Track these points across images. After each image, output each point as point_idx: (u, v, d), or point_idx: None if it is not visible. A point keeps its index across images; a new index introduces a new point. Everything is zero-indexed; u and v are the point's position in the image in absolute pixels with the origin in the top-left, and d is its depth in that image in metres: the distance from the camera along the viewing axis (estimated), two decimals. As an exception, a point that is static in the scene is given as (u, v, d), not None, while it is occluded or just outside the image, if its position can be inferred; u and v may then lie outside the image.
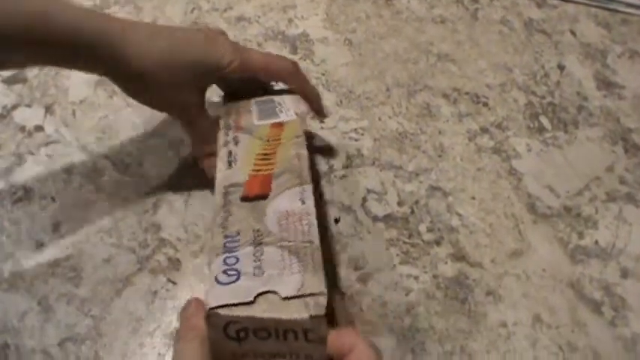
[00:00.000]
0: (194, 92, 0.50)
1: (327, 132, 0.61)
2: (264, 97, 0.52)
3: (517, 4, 0.73)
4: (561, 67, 0.69)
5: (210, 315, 0.35)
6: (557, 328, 0.52)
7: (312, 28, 0.69)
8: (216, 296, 0.35)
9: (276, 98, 0.52)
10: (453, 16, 0.72)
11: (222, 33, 0.53)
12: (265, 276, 0.37)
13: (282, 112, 0.51)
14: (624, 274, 0.56)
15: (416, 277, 0.53)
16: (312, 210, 0.41)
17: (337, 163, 0.59)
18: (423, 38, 0.69)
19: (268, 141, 0.47)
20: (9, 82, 0.62)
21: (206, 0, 0.69)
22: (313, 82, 0.64)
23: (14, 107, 0.60)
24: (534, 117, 0.65)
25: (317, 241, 0.39)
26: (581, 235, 0.58)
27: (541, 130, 0.64)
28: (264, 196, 0.42)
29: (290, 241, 0.39)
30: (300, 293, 0.35)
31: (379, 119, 0.63)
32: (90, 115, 0.60)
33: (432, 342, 0.50)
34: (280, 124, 0.49)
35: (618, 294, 0.54)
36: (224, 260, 0.38)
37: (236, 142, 0.47)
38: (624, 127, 0.65)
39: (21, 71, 0.62)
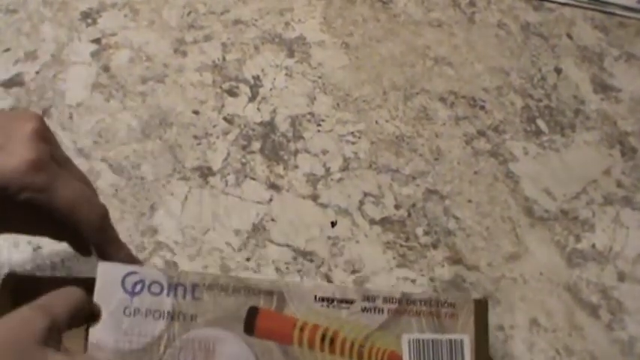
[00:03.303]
0: None
1: (324, 135, 0.61)
2: None
3: (514, 8, 0.73)
4: (558, 71, 0.69)
5: None
6: (555, 332, 0.52)
7: (309, 31, 0.69)
8: None
9: None
10: (449, 19, 0.72)
11: (36, 122, 0.37)
12: None
13: None
14: (621, 277, 0.56)
15: (413, 281, 0.53)
16: None
17: (334, 166, 0.59)
18: (420, 42, 0.69)
19: None
20: (6, 85, 0.61)
21: (203, 3, 0.69)
22: (309, 85, 0.64)
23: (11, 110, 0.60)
24: (531, 120, 0.65)
25: None
26: (578, 239, 0.58)
27: (538, 133, 0.64)
28: None
29: None
30: None
31: (376, 122, 0.63)
32: (87, 119, 0.60)
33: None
34: None
35: (615, 297, 0.54)
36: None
37: None
38: (621, 131, 0.65)
39: (18, 74, 0.62)
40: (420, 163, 0.61)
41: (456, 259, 0.55)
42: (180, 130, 0.60)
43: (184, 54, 0.65)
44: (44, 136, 0.37)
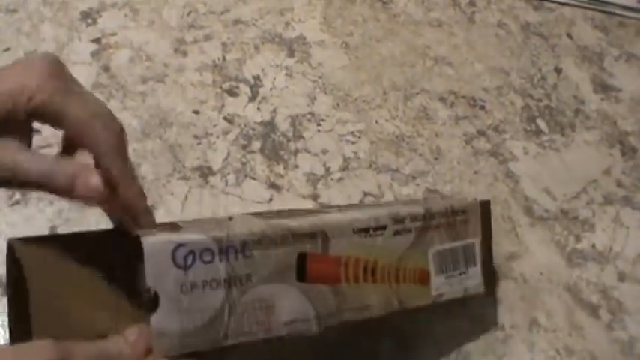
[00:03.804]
0: None
1: (323, 135, 0.61)
2: None
3: (514, 8, 0.73)
4: (558, 70, 0.69)
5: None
6: (554, 332, 0.52)
7: (309, 31, 0.69)
8: None
9: None
10: (449, 19, 0.72)
11: (52, 55, 0.38)
12: None
13: None
14: (621, 277, 0.56)
15: (413, 281, 0.53)
16: None
17: (334, 166, 0.59)
18: (420, 41, 0.69)
19: None
20: (6, 85, 0.61)
21: (203, 3, 0.69)
22: (309, 85, 0.64)
23: (11, 110, 0.60)
24: (531, 120, 0.65)
25: None
26: (578, 239, 0.58)
27: (538, 133, 0.64)
28: None
29: None
30: None
31: (376, 122, 0.63)
32: (87, 118, 0.60)
33: (429, 344, 0.50)
34: None
35: (615, 297, 0.55)
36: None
37: None
38: (621, 130, 0.65)
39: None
40: (420, 163, 0.61)
41: (456, 259, 0.55)
42: (180, 130, 0.60)
43: (184, 54, 0.65)
44: (60, 63, 0.38)
